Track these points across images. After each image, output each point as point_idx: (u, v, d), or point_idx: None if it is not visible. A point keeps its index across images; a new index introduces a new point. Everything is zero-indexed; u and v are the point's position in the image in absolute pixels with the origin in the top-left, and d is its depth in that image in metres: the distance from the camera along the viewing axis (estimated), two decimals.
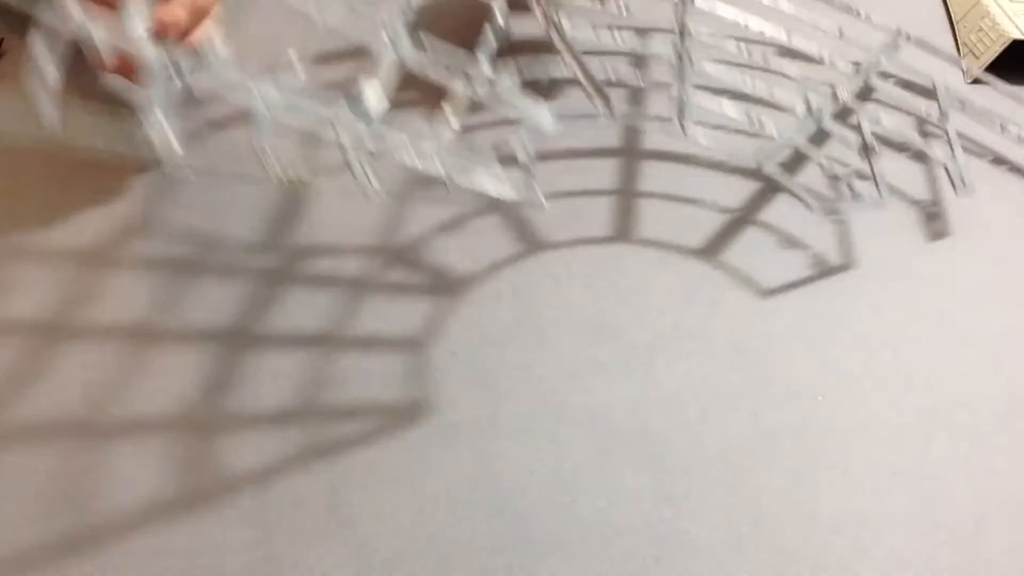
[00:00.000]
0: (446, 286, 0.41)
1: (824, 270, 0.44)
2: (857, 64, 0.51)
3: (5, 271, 0.42)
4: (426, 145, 0.35)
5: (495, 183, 0.37)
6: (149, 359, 0.39)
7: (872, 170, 0.43)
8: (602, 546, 0.33)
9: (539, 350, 0.40)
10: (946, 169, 0.45)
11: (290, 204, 0.45)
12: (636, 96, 0.51)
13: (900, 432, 0.37)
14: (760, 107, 0.49)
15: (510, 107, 0.37)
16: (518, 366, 0.39)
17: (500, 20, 0.43)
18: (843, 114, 0.49)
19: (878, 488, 0.35)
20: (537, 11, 0.42)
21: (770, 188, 0.47)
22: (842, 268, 0.44)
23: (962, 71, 0.57)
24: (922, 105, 0.52)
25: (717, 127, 0.48)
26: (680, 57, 0.45)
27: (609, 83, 0.51)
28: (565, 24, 0.43)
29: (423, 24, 0.43)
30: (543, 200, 0.40)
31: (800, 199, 0.47)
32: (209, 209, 0.46)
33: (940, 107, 0.48)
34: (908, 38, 0.49)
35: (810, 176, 0.48)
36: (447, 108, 0.40)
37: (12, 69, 0.55)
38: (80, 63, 0.34)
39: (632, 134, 0.50)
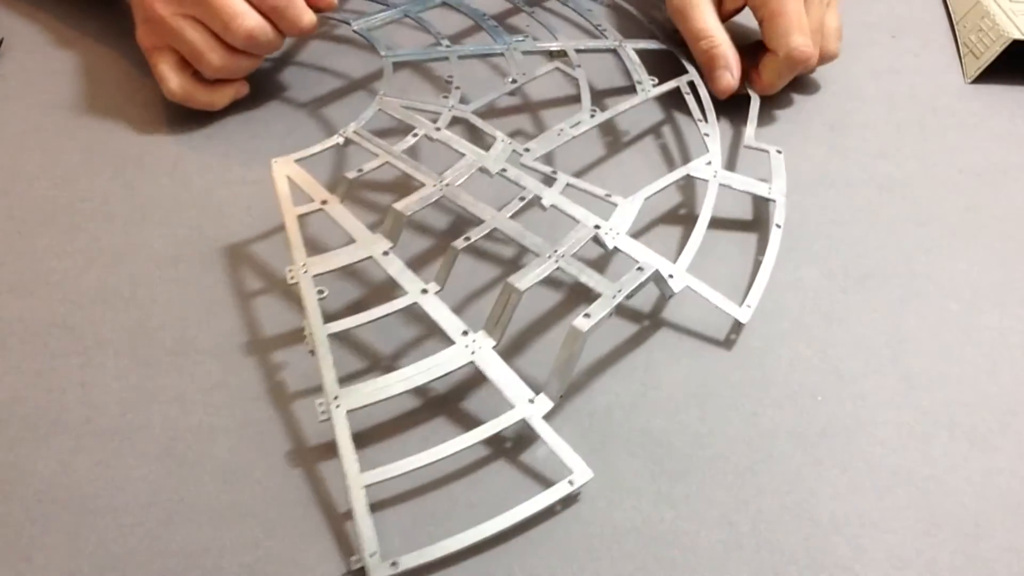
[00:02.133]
0: None
1: (823, 271, 0.44)
2: None
3: None
4: None
5: None
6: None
7: None
8: (602, 546, 0.33)
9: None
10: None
11: None
12: None
13: (900, 432, 0.37)
14: None
15: None
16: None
17: None
18: None
19: (878, 488, 0.35)
20: None
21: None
22: (841, 268, 0.44)
23: (962, 71, 0.57)
24: None
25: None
26: None
27: None
28: None
29: None
30: None
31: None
32: None
33: None
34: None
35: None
36: None
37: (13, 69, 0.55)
38: None
39: None
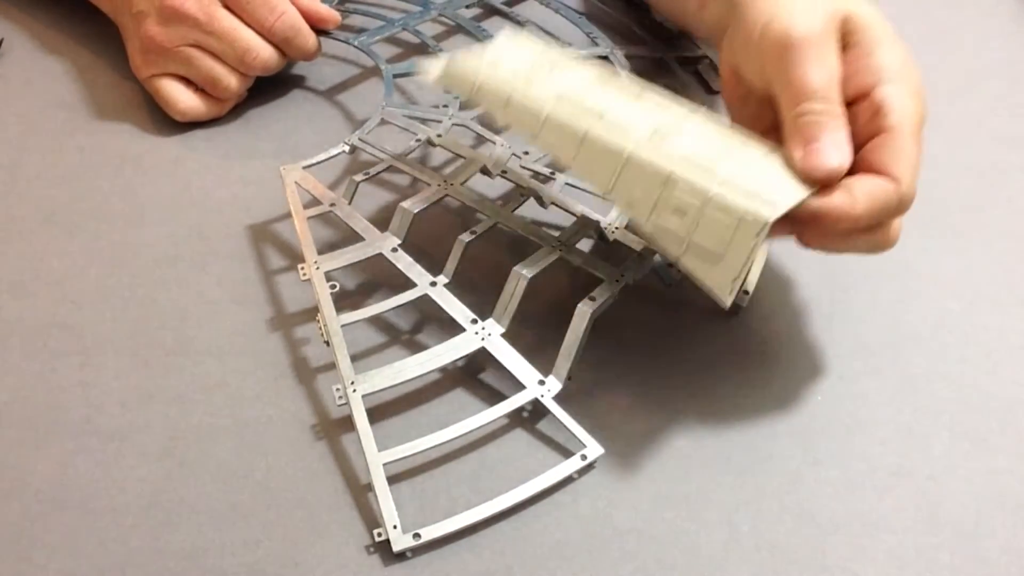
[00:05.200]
0: None
1: (823, 271, 0.44)
2: None
3: None
4: None
5: None
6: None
7: None
8: (602, 546, 0.33)
9: None
10: None
11: None
12: None
13: (900, 432, 0.37)
14: None
15: None
16: None
17: None
18: None
19: (878, 488, 0.35)
20: None
21: None
22: (841, 268, 0.44)
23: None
24: None
25: None
26: None
27: None
28: None
29: None
30: None
31: None
32: None
33: None
34: None
35: None
36: None
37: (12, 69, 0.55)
38: None
39: None
